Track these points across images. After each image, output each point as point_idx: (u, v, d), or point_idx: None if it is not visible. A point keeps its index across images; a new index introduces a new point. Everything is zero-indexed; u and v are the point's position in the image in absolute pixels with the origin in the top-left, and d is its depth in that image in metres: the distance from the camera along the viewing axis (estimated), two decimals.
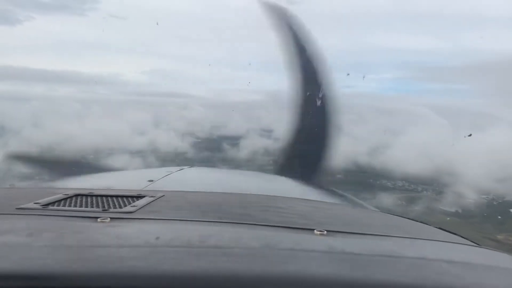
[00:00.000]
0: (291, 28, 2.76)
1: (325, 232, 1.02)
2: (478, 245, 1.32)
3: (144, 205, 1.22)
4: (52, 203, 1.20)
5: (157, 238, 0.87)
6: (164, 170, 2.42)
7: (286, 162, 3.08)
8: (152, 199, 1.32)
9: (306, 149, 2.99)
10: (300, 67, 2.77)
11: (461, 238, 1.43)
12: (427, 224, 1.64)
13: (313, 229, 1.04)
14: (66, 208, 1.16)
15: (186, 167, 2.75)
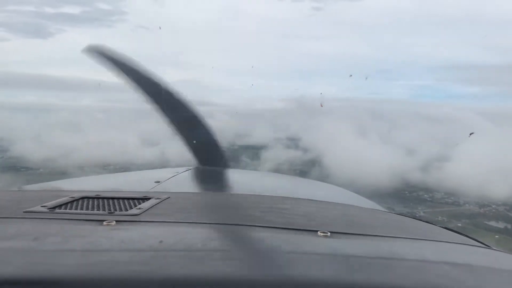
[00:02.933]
0: (117, 62, 2.88)
1: (329, 233, 1.05)
2: (488, 246, 1.32)
3: (150, 208, 1.25)
4: (59, 206, 1.24)
5: (161, 241, 0.91)
6: (171, 171, 2.44)
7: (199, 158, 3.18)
8: (157, 201, 1.35)
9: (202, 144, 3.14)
10: (143, 87, 2.92)
11: (467, 238, 1.42)
12: (432, 224, 1.64)
13: (317, 231, 1.07)
14: (73, 211, 1.20)
15: (192, 167, 2.78)
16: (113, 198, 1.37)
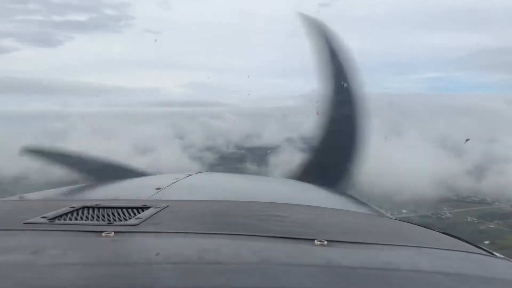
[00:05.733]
0: (324, 37, 3.03)
1: (326, 242, 1.07)
2: (492, 254, 1.29)
3: (148, 217, 1.28)
4: (59, 217, 1.27)
5: (157, 254, 0.94)
6: (172, 177, 2.45)
7: (310, 168, 3.22)
8: (156, 210, 1.38)
9: (332, 155, 3.16)
10: (332, 74, 3.01)
11: (469, 245, 1.40)
12: (432, 229, 1.63)
13: (314, 239, 1.09)
14: (72, 222, 1.24)
15: (193, 173, 2.82)
16: (112, 208, 1.39)
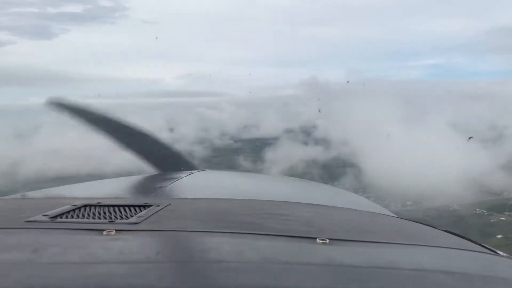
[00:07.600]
0: (79, 111, 3.21)
1: (327, 240, 1.09)
2: (494, 252, 1.31)
3: (150, 216, 1.30)
4: (61, 215, 1.29)
5: (158, 252, 0.97)
6: (173, 175, 2.54)
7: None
8: (158, 208, 1.41)
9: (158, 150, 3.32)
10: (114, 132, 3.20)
11: (471, 243, 1.41)
12: (434, 227, 1.65)
13: (316, 238, 1.11)
14: (74, 220, 1.26)
15: (195, 171, 2.87)
16: (114, 206, 1.41)
